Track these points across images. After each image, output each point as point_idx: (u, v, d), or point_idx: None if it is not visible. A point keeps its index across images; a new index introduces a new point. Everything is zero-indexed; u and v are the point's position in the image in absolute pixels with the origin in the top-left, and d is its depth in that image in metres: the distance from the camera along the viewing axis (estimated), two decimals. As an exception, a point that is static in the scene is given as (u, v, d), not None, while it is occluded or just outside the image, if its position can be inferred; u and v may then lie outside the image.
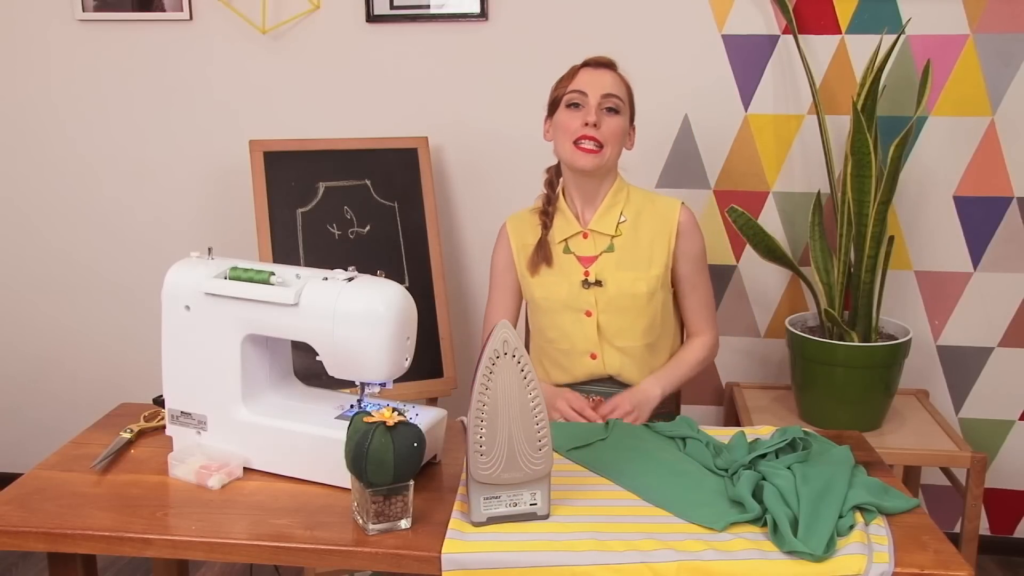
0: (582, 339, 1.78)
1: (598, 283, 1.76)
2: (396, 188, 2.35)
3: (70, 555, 1.34)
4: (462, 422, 1.53)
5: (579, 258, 1.79)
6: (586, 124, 1.71)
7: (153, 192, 2.58)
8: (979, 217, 2.33)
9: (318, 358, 1.38)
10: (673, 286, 1.85)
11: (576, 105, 1.74)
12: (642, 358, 1.79)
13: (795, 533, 1.20)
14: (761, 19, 2.30)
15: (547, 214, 1.82)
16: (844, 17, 2.26)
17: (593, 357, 1.79)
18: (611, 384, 1.81)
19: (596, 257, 1.78)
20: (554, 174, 1.84)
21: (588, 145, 1.71)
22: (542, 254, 1.80)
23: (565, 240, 1.80)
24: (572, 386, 1.83)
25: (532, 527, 1.25)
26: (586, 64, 1.78)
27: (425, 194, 2.36)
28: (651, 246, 1.78)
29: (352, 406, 1.46)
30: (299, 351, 1.56)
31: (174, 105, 2.52)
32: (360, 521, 1.26)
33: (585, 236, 1.79)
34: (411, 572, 1.22)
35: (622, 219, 1.78)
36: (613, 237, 1.78)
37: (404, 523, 1.25)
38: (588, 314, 1.77)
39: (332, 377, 1.39)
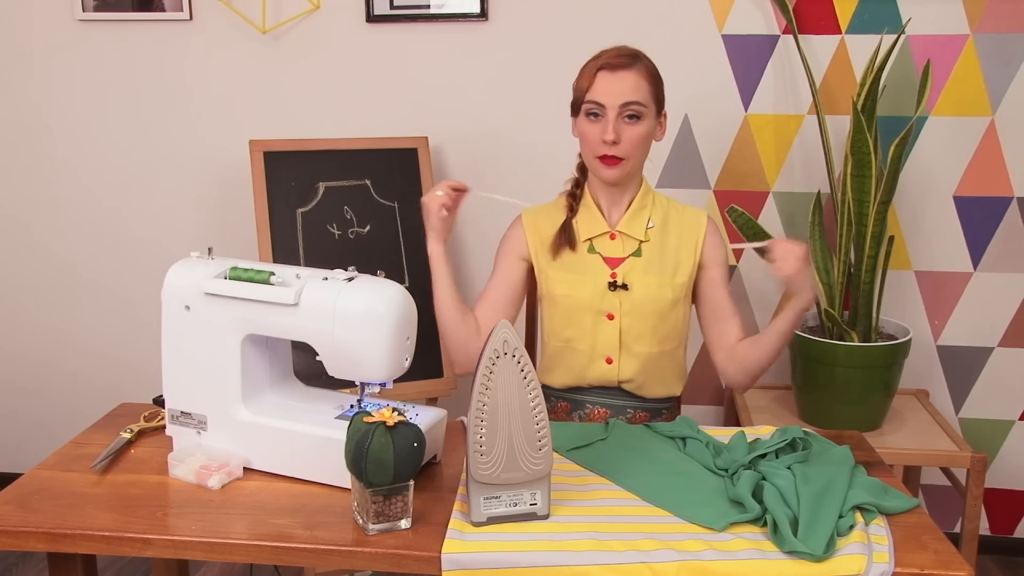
0: (602, 341, 1.75)
1: (624, 286, 1.73)
2: (396, 188, 2.35)
3: (70, 555, 1.34)
4: (462, 422, 1.53)
5: (605, 259, 1.75)
6: (604, 142, 1.65)
7: (153, 192, 2.58)
8: (979, 217, 2.33)
9: (318, 358, 1.38)
10: (708, 293, 1.79)
11: (595, 115, 1.67)
12: (656, 365, 1.77)
13: (795, 533, 1.20)
14: (761, 19, 2.30)
15: (575, 197, 1.77)
16: (844, 17, 2.26)
17: (609, 362, 1.76)
18: (618, 394, 1.79)
19: (623, 259, 1.74)
20: (580, 169, 1.79)
21: (609, 159, 1.67)
22: (565, 237, 1.75)
23: (590, 239, 1.75)
24: (579, 392, 1.81)
25: (532, 527, 1.25)
26: (602, 67, 1.65)
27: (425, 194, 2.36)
28: (677, 254, 1.75)
29: (352, 406, 1.46)
30: (299, 351, 1.56)
31: (174, 105, 2.52)
32: (360, 521, 1.26)
33: (613, 237, 1.75)
34: (411, 572, 1.22)
35: (650, 224, 1.75)
36: (642, 242, 1.75)
37: (404, 523, 1.25)
38: (610, 317, 1.74)
39: (332, 377, 1.39)
